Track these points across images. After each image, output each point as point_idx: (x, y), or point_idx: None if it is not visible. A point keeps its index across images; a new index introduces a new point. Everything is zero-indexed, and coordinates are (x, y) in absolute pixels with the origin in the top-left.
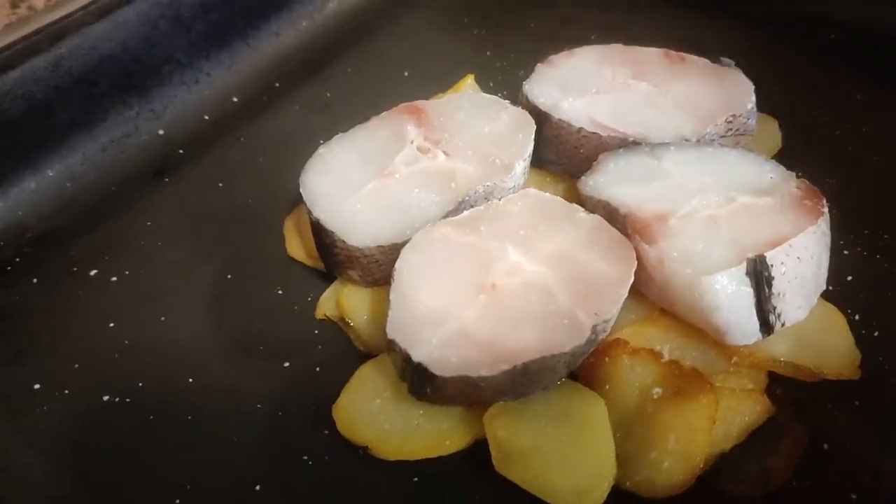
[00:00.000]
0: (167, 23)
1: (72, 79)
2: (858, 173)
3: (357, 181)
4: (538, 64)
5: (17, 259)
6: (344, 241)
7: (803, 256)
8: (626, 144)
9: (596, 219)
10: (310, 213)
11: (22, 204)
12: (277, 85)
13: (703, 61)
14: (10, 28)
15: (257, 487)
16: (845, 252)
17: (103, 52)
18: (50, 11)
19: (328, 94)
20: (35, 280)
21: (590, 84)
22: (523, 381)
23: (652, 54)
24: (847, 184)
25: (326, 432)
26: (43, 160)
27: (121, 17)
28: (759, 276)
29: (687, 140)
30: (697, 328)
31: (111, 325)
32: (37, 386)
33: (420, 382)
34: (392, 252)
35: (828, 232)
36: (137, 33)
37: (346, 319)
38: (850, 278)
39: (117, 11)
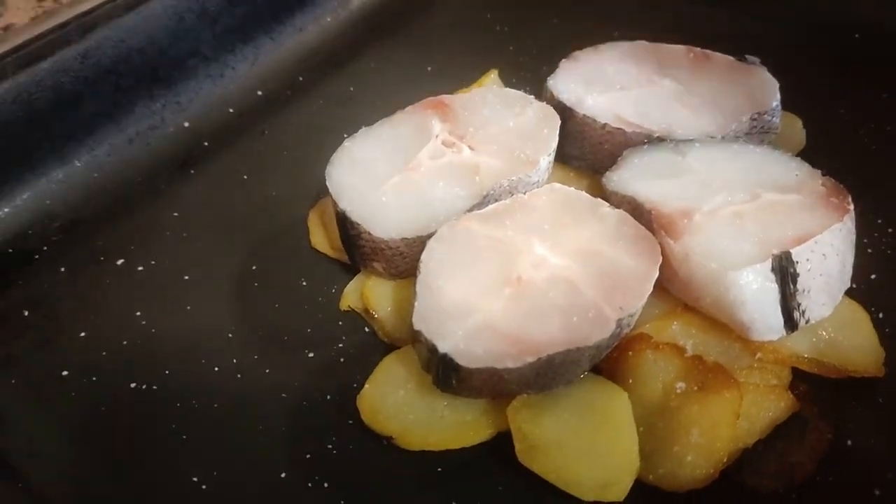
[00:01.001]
0: (193, 17)
1: (100, 71)
2: (882, 171)
3: (382, 174)
4: (563, 60)
5: (45, 248)
6: (369, 233)
7: (829, 253)
8: (650, 141)
9: (621, 213)
10: (335, 204)
11: (50, 193)
12: (301, 79)
13: (728, 59)
14: (36, 21)
15: (282, 475)
16: (869, 250)
17: (131, 45)
18: (75, 5)
19: (351, 89)
20: (63, 269)
21: (614, 80)
22: (548, 374)
23: (677, 51)
24: (871, 182)
25: (351, 422)
26: (71, 151)
27: (148, 10)
28: (785, 272)
29: (711, 137)
30: (721, 323)
31: (137, 313)
32: (65, 373)
33: (445, 374)
34: (417, 245)
35: (853, 229)
36: (164, 26)
37: (371, 311)
38: (874, 276)
39: (144, 4)
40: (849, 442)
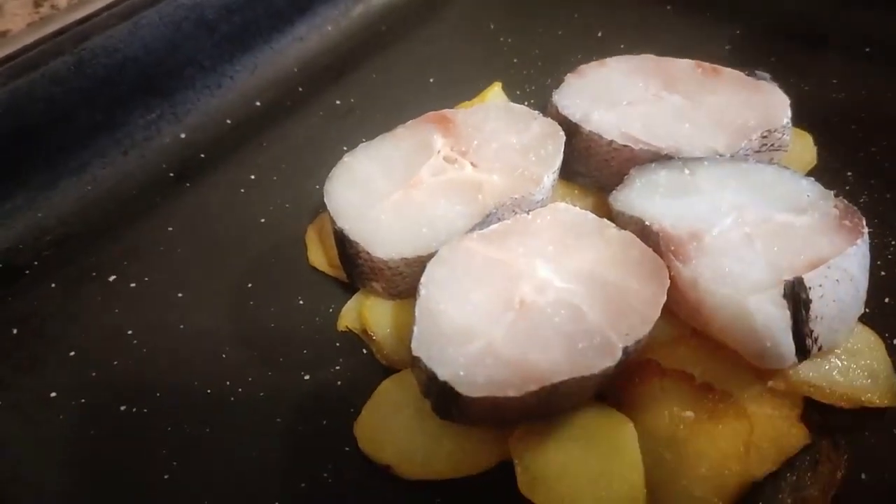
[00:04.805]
0: (191, 25)
1: (94, 81)
2: (895, 191)
3: (382, 191)
4: (568, 74)
5: (36, 262)
6: (368, 253)
7: (842, 279)
8: (657, 158)
9: (627, 235)
10: (333, 223)
11: (42, 206)
12: (301, 90)
13: (738, 74)
14: (33, 27)
15: None
16: (883, 273)
17: (126, 55)
18: (73, 10)
19: (352, 100)
20: (53, 285)
21: (621, 96)
22: (551, 403)
23: (684, 66)
24: (884, 200)
25: (347, 449)
26: (63, 162)
27: (144, 18)
28: (797, 298)
29: (720, 155)
30: (731, 350)
31: (129, 332)
32: (53, 394)
33: (445, 401)
34: (417, 265)
35: (867, 253)
36: (161, 35)
37: (369, 332)
38: (887, 300)
39: (141, 13)
40: (863, 475)
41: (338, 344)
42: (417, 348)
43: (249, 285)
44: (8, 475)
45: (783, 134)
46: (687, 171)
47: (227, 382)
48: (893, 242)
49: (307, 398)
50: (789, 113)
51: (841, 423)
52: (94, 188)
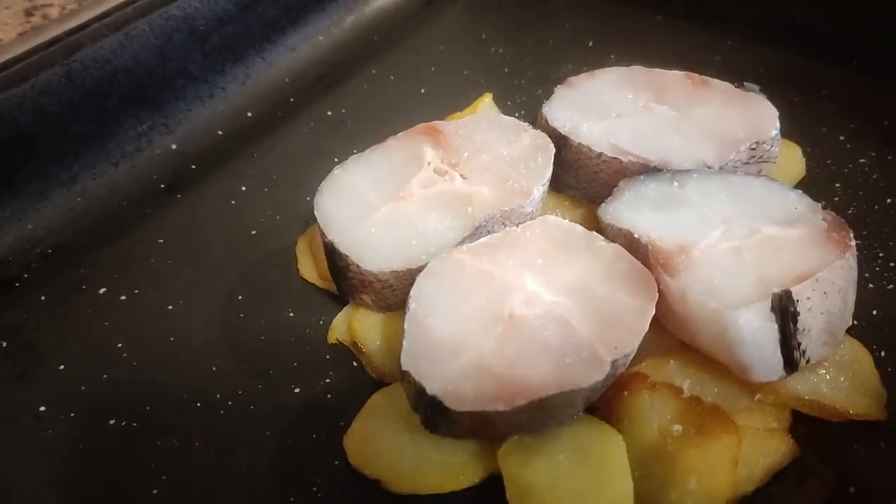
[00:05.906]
0: (182, 36)
1: (85, 92)
2: (883, 201)
3: (372, 204)
4: (558, 86)
5: (26, 275)
6: (358, 266)
7: (830, 291)
8: (646, 170)
9: (616, 248)
10: (323, 235)
11: (32, 218)
12: (292, 100)
13: (727, 85)
14: (24, 37)
15: None
16: (870, 285)
17: (117, 66)
18: (64, 21)
19: (343, 111)
20: (43, 297)
21: (610, 107)
22: (539, 417)
23: (674, 77)
24: (872, 212)
25: (337, 463)
26: (54, 174)
27: (135, 30)
28: (785, 311)
29: (709, 167)
30: (719, 363)
31: (119, 345)
32: (42, 408)
33: (434, 415)
34: (407, 277)
35: (855, 266)
36: (152, 46)
37: (359, 345)
38: (875, 312)
39: (132, 24)
40: (851, 489)
41: (328, 356)
42: (407, 362)
43: (240, 297)
44: None
45: (772, 146)
46: (676, 184)
47: (217, 395)
48: (881, 255)
49: (297, 411)
50: (778, 124)
51: (829, 436)
52: (85, 200)
